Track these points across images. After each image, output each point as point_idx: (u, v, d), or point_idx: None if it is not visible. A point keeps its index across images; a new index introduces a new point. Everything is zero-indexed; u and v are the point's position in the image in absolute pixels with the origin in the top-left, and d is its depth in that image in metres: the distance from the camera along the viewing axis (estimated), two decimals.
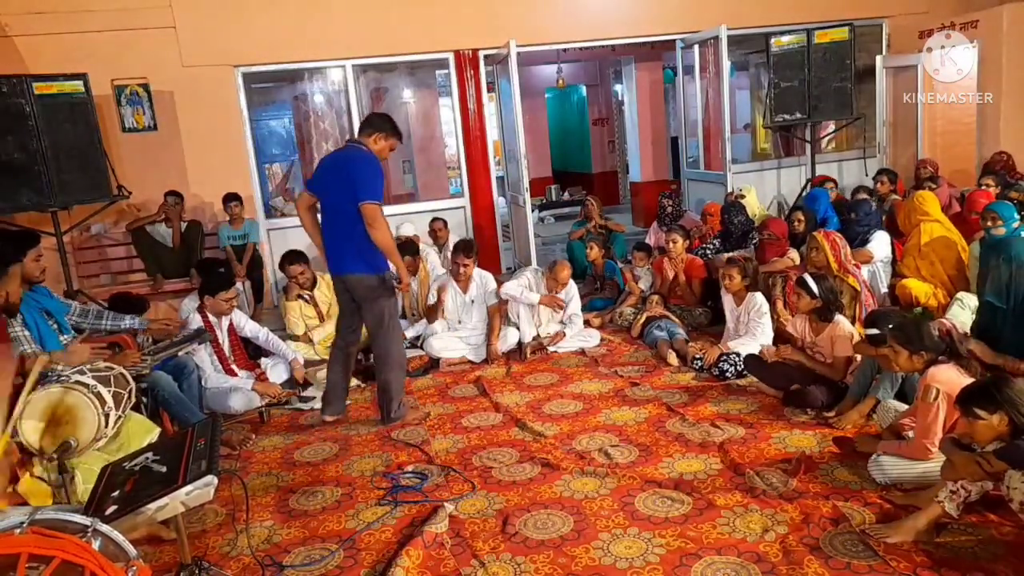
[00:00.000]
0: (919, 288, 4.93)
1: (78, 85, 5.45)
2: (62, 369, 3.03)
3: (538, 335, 5.53)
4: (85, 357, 3.32)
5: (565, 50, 9.22)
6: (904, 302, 4.99)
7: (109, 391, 2.84)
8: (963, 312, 4.39)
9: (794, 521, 2.88)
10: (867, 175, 7.89)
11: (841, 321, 4.09)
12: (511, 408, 4.38)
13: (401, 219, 6.89)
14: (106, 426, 2.75)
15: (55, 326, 3.76)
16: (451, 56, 7.51)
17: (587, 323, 5.79)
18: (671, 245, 5.89)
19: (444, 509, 3.15)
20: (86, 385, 2.80)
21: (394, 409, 4.25)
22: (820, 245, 4.82)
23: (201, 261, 6.35)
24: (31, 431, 2.72)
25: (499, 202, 8.09)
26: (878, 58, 8.10)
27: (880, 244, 5.43)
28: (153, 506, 2.21)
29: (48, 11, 6.38)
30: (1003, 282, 3.62)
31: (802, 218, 5.74)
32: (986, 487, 2.65)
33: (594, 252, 6.54)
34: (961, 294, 4.58)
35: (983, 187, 6.03)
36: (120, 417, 2.89)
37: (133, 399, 3.07)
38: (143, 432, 3.30)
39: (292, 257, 5.51)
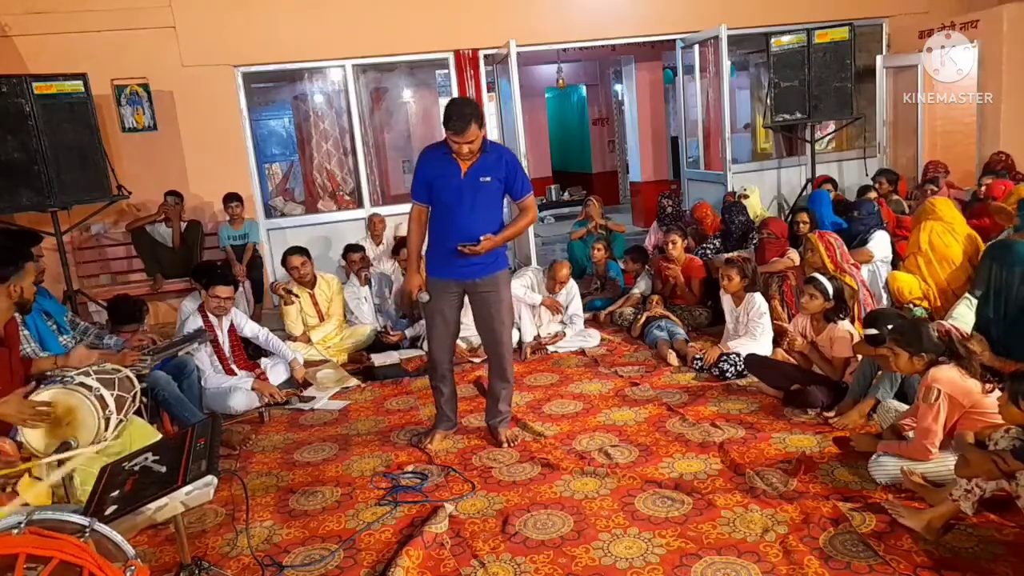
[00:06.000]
0: (907, 283, 4.92)
1: (78, 85, 5.45)
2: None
3: (538, 335, 5.52)
4: (88, 361, 3.30)
5: (565, 50, 9.22)
6: (894, 297, 4.99)
7: (112, 394, 2.82)
8: (970, 312, 4.37)
9: (794, 521, 2.88)
10: (867, 175, 7.88)
11: (841, 321, 4.09)
12: (511, 408, 4.37)
13: (401, 219, 6.88)
14: (106, 430, 2.74)
15: (54, 327, 3.77)
16: (451, 56, 7.51)
17: (587, 323, 5.79)
18: (670, 246, 5.89)
19: (444, 509, 3.15)
20: (88, 387, 2.79)
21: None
22: (815, 246, 4.82)
23: (197, 266, 6.31)
24: (33, 433, 2.71)
25: None
26: (878, 58, 8.10)
27: (880, 244, 5.42)
28: (153, 506, 2.21)
29: (48, 11, 6.38)
30: (995, 284, 3.62)
31: (806, 219, 5.74)
32: (1001, 485, 2.64)
33: (599, 252, 6.54)
34: (968, 293, 4.56)
35: (982, 187, 6.04)
36: (121, 421, 2.87)
37: (137, 403, 3.05)
38: (144, 438, 3.29)
39: (293, 249, 5.62)
